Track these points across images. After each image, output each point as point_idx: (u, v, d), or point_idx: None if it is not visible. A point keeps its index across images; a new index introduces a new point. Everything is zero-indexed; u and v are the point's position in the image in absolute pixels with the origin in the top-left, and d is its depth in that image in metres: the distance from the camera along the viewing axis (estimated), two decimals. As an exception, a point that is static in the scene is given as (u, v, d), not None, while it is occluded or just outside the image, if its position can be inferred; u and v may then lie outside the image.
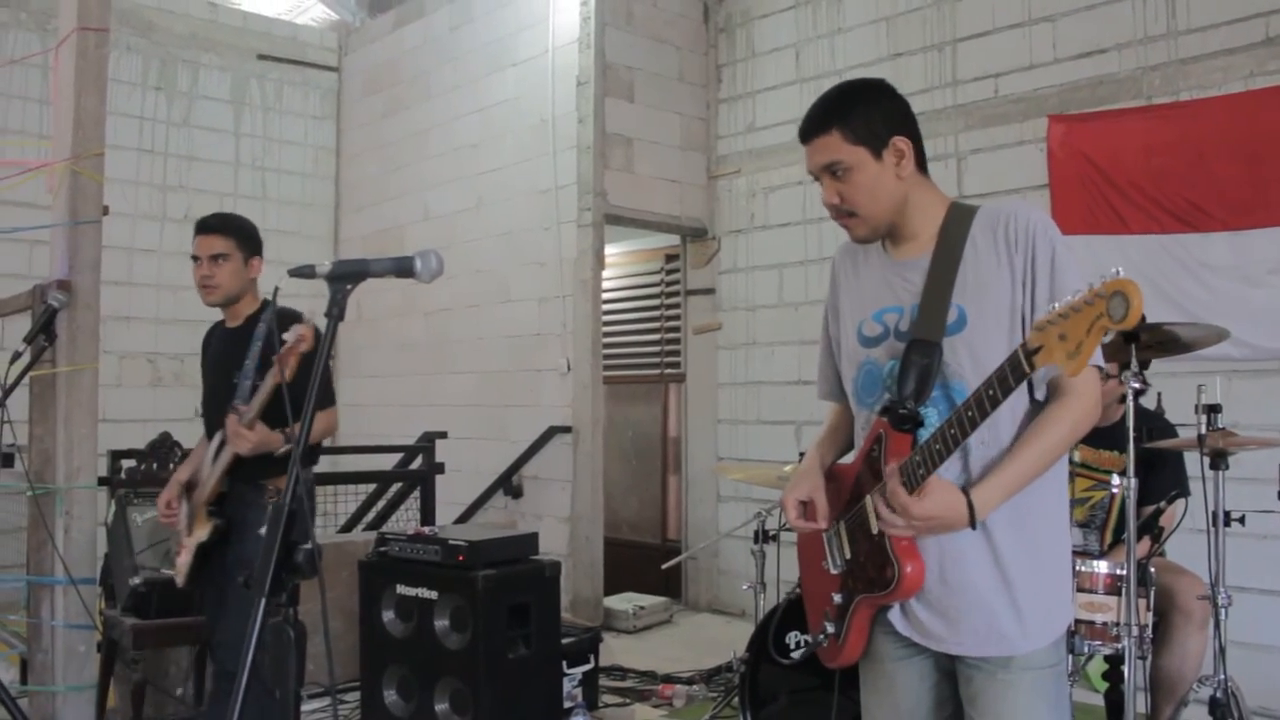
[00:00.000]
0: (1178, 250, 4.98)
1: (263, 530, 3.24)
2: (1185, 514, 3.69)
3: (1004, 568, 1.98)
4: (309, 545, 1.52)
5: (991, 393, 1.80)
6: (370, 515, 6.61)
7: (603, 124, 6.89)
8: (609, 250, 7.41)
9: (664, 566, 5.65)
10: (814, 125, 2.10)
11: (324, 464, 7.78)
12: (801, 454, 4.16)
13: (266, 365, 3.38)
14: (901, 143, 2.06)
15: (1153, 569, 3.33)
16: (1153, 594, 3.31)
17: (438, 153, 8.20)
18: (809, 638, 2.30)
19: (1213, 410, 3.34)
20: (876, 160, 2.06)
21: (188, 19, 8.31)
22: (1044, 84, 5.65)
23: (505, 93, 7.58)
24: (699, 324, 7.48)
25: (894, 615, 2.08)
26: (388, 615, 4.34)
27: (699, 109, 7.48)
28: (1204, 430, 3.32)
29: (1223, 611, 3.34)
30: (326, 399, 3.49)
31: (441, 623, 4.19)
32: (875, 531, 2.04)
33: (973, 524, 1.92)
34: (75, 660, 4.35)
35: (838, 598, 2.15)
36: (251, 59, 8.65)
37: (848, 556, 2.14)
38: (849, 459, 2.25)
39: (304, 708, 4.16)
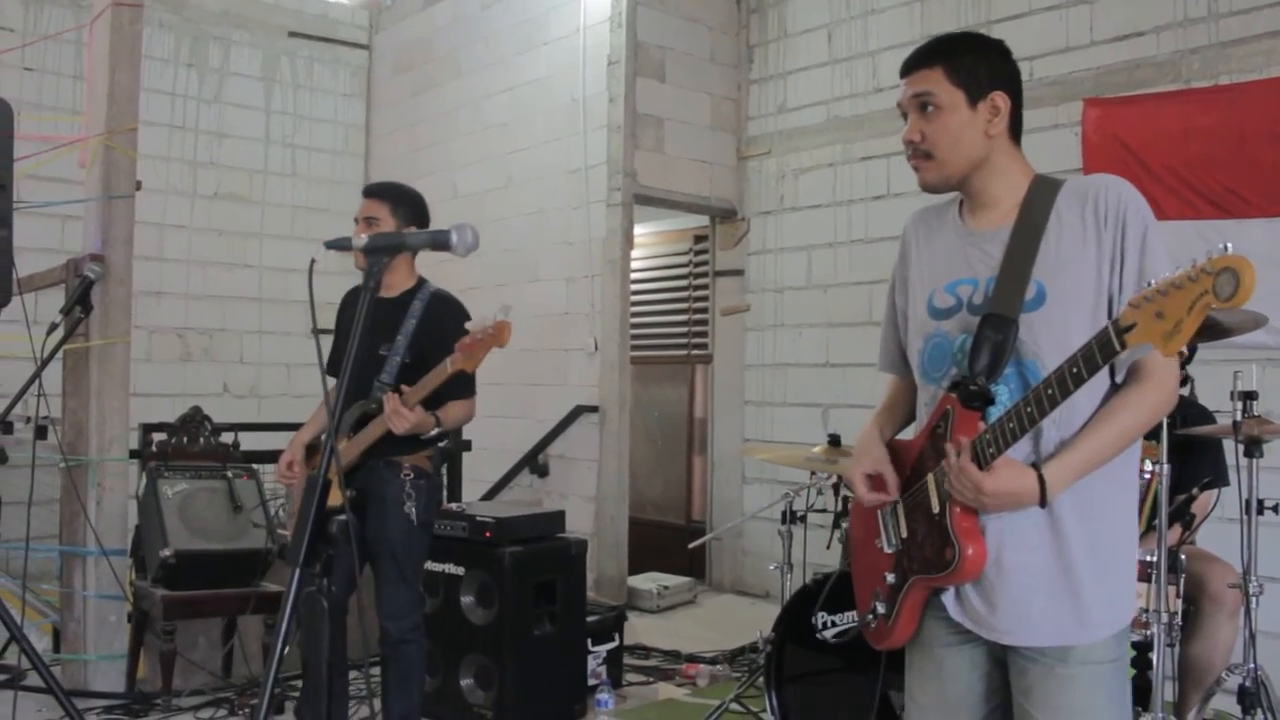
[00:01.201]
0: (1213, 237, 4.89)
1: (407, 508, 3.37)
2: (1217, 502, 3.66)
3: (1064, 554, 1.90)
4: (343, 516, 1.53)
5: (1075, 371, 1.72)
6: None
7: (633, 104, 6.86)
8: (638, 230, 7.39)
9: (690, 546, 5.64)
10: (919, 59, 2.05)
11: (351, 440, 7.83)
12: (830, 436, 4.17)
13: (419, 346, 3.42)
14: (1000, 99, 2.00)
15: (1183, 556, 3.30)
16: (1183, 581, 3.29)
17: (467, 131, 8.19)
18: (853, 616, 2.25)
19: (1248, 397, 3.31)
20: (970, 108, 2.00)
21: (220, -5, 8.33)
22: (1080, 67, 5.58)
23: (536, 72, 7.57)
24: (727, 305, 7.46)
25: (948, 599, 2.01)
26: (421, 591, 4.36)
27: (730, 89, 7.44)
28: (1239, 417, 3.29)
29: (1254, 600, 3.31)
30: (468, 390, 3.52)
31: (467, 598, 4.22)
32: (936, 510, 1.97)
33: (1043, 501, 1.85)
34: (106, 630, 4.42)
35: (891, 577, 2.09)
36: (282, 36, 8.66)
37: (904, 535, 2.07)
38: (908, 434, 2.19)
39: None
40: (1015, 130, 2.06)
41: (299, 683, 4.11)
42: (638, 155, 6.87)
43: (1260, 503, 3.37)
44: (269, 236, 8.47)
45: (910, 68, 2.07)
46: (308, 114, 8.82)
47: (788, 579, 4.18)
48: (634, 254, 7.10)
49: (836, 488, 4.18)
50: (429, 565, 4.29)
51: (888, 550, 2.10)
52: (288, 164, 8.68)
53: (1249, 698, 3.33)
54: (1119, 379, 1.93)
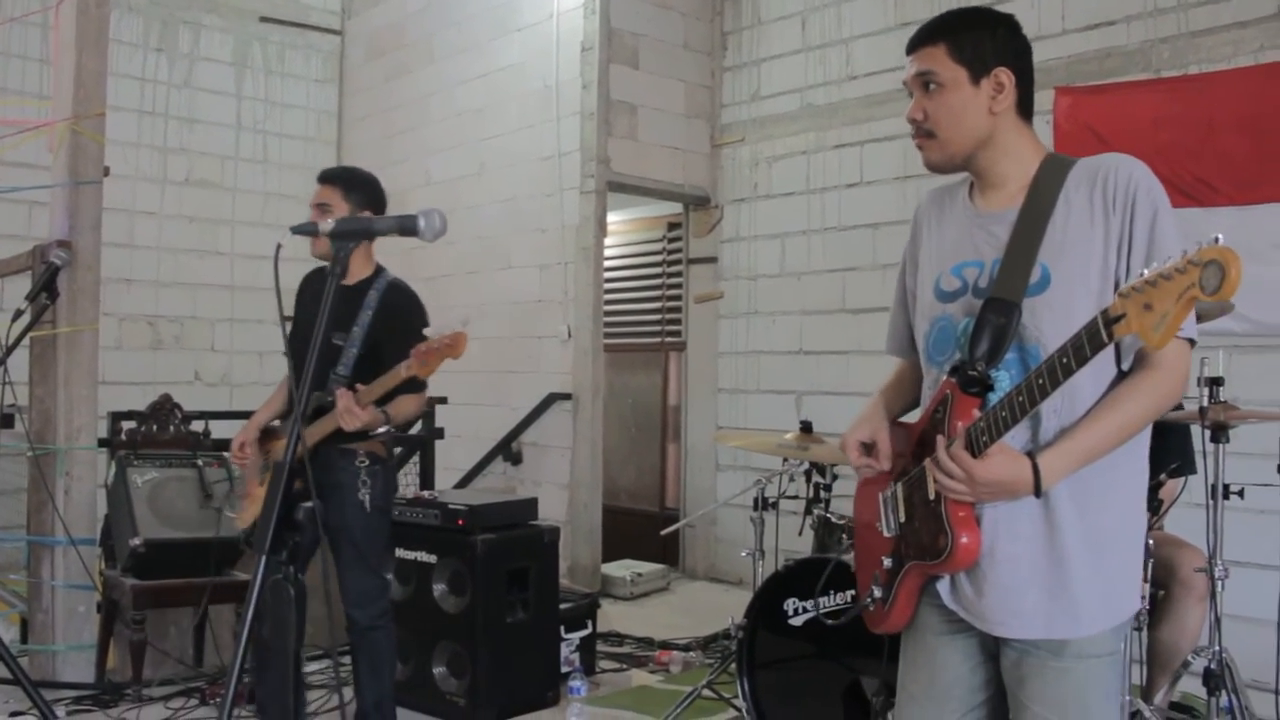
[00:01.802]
0: (1183, 225, 4.93)
1: (362, 494, 3.34)
2: (1184, 488, 3.69)
3: (1059, 545, 1.85)
4: (310, 504, 1.52)
5: (1065, 361, 1.67)
6: (370, 480, 6.62)
7: (607, 90, 6.84)
8: (611, 218, 7.39)
9: (663, 533, 5.66)
10: (923, 36, 2.00)
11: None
12: (802, 423, 4.19)
13: (374, 338, 3.38)
14: (1004, 75, 1.95)
15: (1151, 541, 3.33)
16: (1150, 566, 3.32)
17: (440, 118, 8.15)
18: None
19: (1215, 383, 3.34)
20: (973, 85, 1.95)
21: (189, -21, 8.25)
22: (1051, 56, 5.60)
23: (509, 58, 7.53)
24: (700, 293, 7.46)
25: (942, 587, 1.97)
26: (387, 578, 4.35)
27: (704, 77, 7.43)
28: (1205, 403, 3.32)
29: (1219, 584, 3.34)
30: (419, 384, 3.43)
31: (440, 586, 4.21)
32: (932, 497, 1.92)
33: (1037, 491, 1.80)
34: (75, 620, 4.39)
35: (887, 562, 2.06)
36: (254, 21, 8.58)
37: (902, 520, 2.03)
38: (912, 418, 2.14)
39: (304, 669, 4.17)
40: (1024, 108, 2.00)
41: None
42: (611, 142, 6.86)
43: (1226, 488, 3.40)
44: (240, 223, 8.41)
45: (914, 45, 2.02)
46: (279, 100, 8.76)
47: (759, 566, 4.19)
48: (607, 241, 7.10)
49: (808, 474, 4.19)
50: (401, 553, 4.29)
51: (886, 534, 2.07)
52: (259, 150, 8.61)
53: (1214, 680, 3.36)
54: (1125, 366, 1.88)
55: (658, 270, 8.03)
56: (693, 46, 7.38)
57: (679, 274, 7.73)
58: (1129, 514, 1.95)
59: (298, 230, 1.72)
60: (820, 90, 6.77)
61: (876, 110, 6.41)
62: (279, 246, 1.63)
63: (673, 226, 7.84)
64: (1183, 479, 3.67)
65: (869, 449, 2.11)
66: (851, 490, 4.44)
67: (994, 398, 1.86)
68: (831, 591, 3.53)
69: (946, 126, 1.97)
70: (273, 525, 1.51)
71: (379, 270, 3.59)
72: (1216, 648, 3.36)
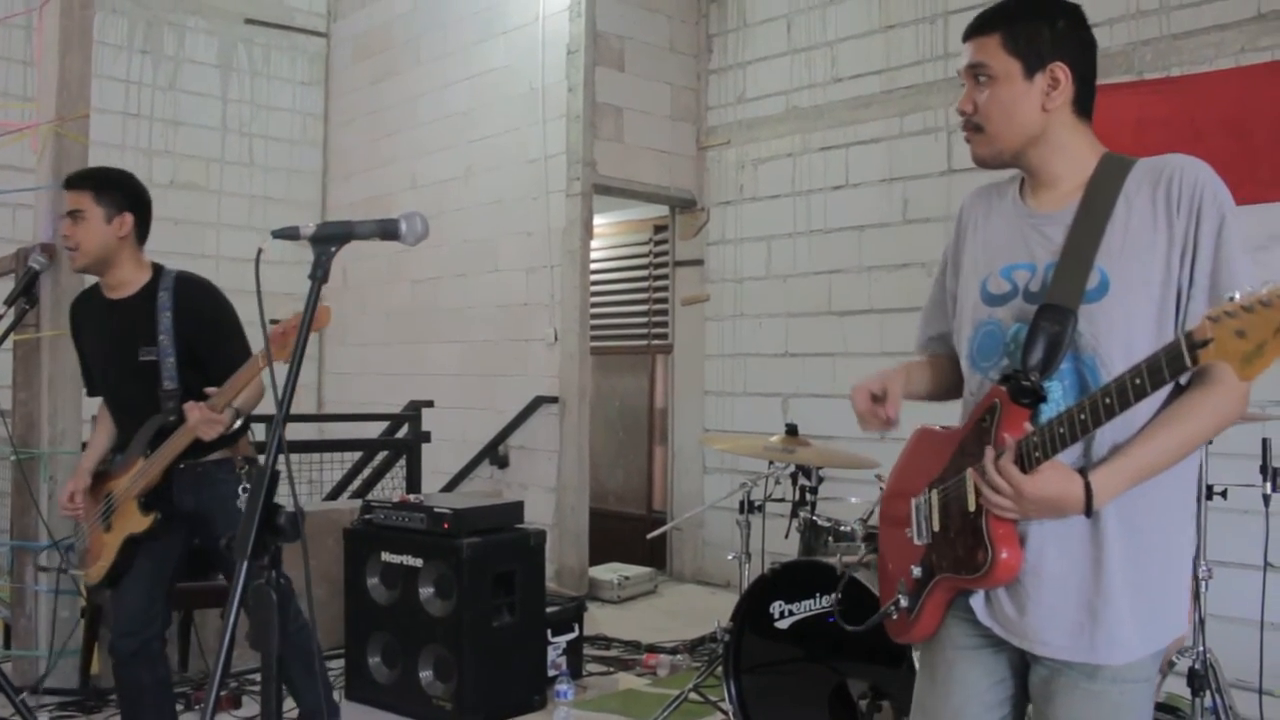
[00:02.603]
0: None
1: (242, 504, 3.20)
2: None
3: (1105, 566, 1.77)
4: (291, 508, 1.52)
5: (1139, 382, 1.55)
6: (356, 483, 6.62)
7: (593, 93, 6.85)
8: (597, 220, 7.39)
9: (649, 537, 5.65)
10: (979, 24, 1.92)
11: (310, 431, 7.78)
12: (788, 425, 4.19)
13: (184, 338, 3.16)
14: (1060, 70, 1.85)
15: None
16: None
17: (427, 120, 8.15)
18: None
19: (1197, 385, 3.35)
20: (1026, 79, 1.86)
21: (174, -19, 8.22)
22: (1036, 58, 5.62)
23: (495, 60, 7.53)
24: (687, 295, 7.47)
25: (976, 602, 1.89)
26: (372, 582, 4.35)
27: (689, 79, 7.44)
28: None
29: (1203, 584, 3.36)
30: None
31: (426, 590, 4.20)
32: (972, 509, 1.83)
33: (1088, 511, 1.71)
34: (59, 625, 4.36)
35: (917, 571, 1.97)
36: (239, 23, 8.57)
37: (935, 529, 1.93)
38: (951, 425, 2.06)
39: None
40: (1083, 105, 1.91)
41: (255, 676, 4.06)
42: (597, 145, 6.86)
43: (1209, 488, 3.43)
44: (226, 226, 8.39)
45: (969, 34, 1.93)
46: (265, 102, 8.74)
47: (746, 569, 4.19)
48: (594, 244, 7.09)
49: (794, 477, 4.20)
50: (387, 557, 4.28)
51: (918, 542, 1.99)
52: (244, 153, 8.60)
53: (1198, 680, 3.38)
54: (1183, 380, 1.75)
55: (644, 273, 8.03)
56: (678, 49, 7.38)
57: (665, 277, 7.73)
58: (1174, 535, 1.85)
59: (279, 234, 1.72)
60: (806, 93, 6.78)
61: (862, 113, 6.43)
62: (260, 250, 1.63)
63: (659, 229, 7.84)
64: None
65: (878, 399, 2.03)
66: (837, 493, 4.47)
67: (1045, 410, 1.78)
68: (817, 595, 3.53)
69: (996, 121, 1.89)
70: (254, 530, 1.51)
71: (159, 270, 3.32)
72: (1200, 648, 3.38)
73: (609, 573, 6.76)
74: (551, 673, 4.49)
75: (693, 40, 7.46)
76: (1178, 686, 3.61)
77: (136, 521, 3.16)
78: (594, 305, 7.22)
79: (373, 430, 6.79)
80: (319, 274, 1.71)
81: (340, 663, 4.53)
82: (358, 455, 6.69)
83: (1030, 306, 1.84)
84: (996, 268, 1.94)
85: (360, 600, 4.37)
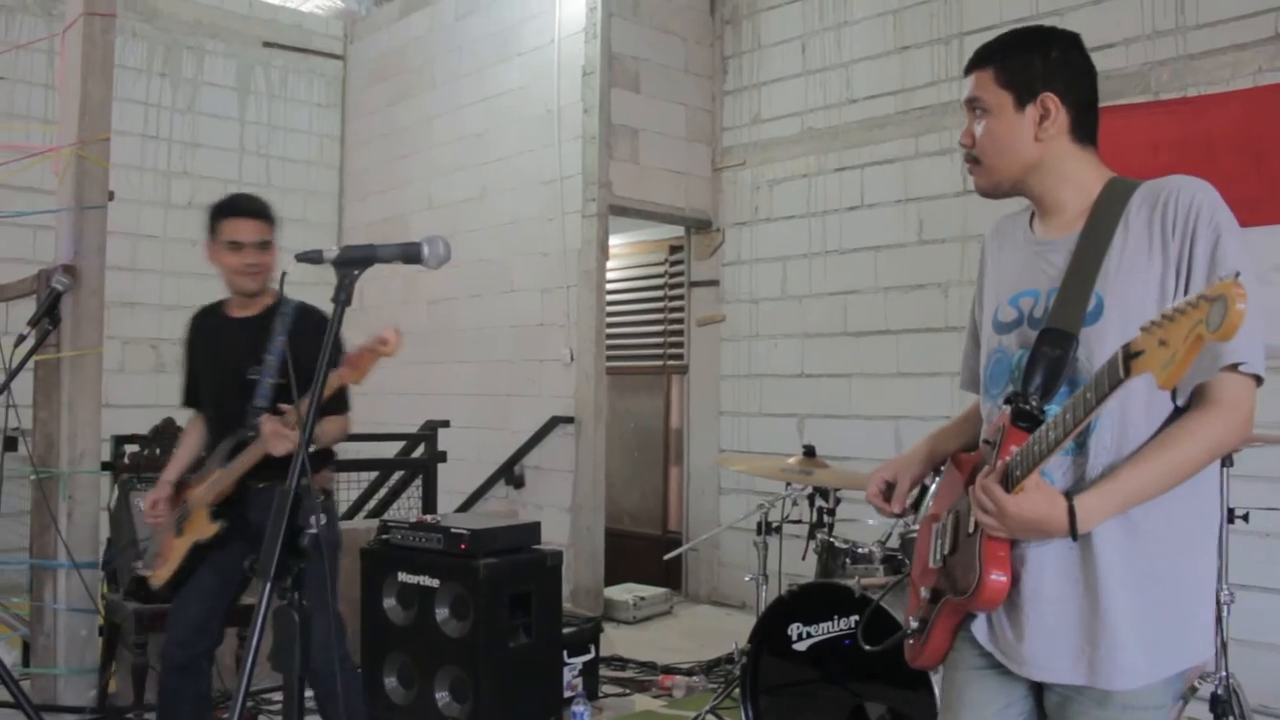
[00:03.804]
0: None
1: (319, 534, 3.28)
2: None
3: (1100, 590, 1.75)
4: (314, 530, 1.52)
5: (1089, 396, 1.57)
6: (372, 503, 6.63)
7: (608, 114, 6.88)
8: (613, 241, 7.40)
9: (666, 558, 5.65)
10: (975, 59, 1.97)
11: (326, 452, 7.79)
12: (805, 447, 4.19)
13: (300, 362, 3.17)
14: (1050, 101, 1.88)
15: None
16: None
17: (442, 142, 8.19)
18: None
19: (1217, 407, 3.33)
20: (1018, 111, 1.90)
21: (193, 5, 8.30)
22: (1051, 78, 5.63)
23: (511, 82, 7.58)
24: (702, 316, 7.47)
25: (978, 626, 1.89)
26: (389, 602, 4.35)
27: (704, 101, 7.46)
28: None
29: (1225, 609, 3.34)
30: (342, 406, 3.41)
31: (442, 611, 4.20)
32: (970, 530, 1.84)
33: (1073, 534, 1.70)
34: (77, 644, 4.37)
35: (925, 594, 2.00)
36: (257, 46, 8.64)
37: (946, 552, 1.95)
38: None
39: (306, 693, 4.15)
40: (1082, 131, 1.92)
41: (275, 695, 4.07)
42: (613, 166, 6.89)
43: (1231, 511, 3.40)
44: (243, 247, 8.42)
45: (968, 68, 1.99)
46: (282, 124, 8.80)
47: (763, 590, 4.18)
48: (609, 264, 7.11)
49: (811, 499, 4.19)
50: (403, 578, 4.28)
51: (932, 565, 2.00)
52: (262, 174, 8.65)
53: (1221, 705, 3.35)
54: (1180, 402, 1.75)
55: (659, 293, 8.04)
56: (693, 71, 7.41)
57: (681, 297, 7.74)
58: (1187, 557, 1.80)
59: (302, 258, 1.73)
60: (820, 114, 6.80)
61: (877, 133, 6.44)
62: (284, 274, 1.64)
63: (674, 250, 7.85)
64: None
65: (890, 489, 2.08)
66: (854, 515, 4.45)
67: None
68: (835, 617, 3.52)
69: (991, 154, 1.94)
70: (277, 552, 1.51)
71: (282, 297, 3.40)
72: (1223, 673, 3.35)
73: (624, 593, 6.75)
74: (568, 694, 4.48)
75: (708, 62, 7.49)
76: (1200, 712, 3.58)
77: (204, 528, 3.30)
78: (609, 325, 7.23)
79: (389, 450, 6.80)
80: (342, 297, 1.72)
81: (356, 683, 4.52)
82: (374, 475, 6.71)
83: (1034, 332, 1.85)
84: (1005, 296, 1.98)
85: (377, 620, 4.37)
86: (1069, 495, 1.72)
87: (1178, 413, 1.75)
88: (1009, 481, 1.73)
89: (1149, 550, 1.76)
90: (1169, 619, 1.77)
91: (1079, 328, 1.78)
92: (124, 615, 4.27)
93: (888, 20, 6.48)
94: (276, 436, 3.07)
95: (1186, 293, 1.72)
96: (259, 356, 3.31)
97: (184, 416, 5.07)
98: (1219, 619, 3.34)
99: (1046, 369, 1.79)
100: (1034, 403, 1.78)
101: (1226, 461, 3.36)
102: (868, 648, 2.87)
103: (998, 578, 1.78)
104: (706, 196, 7.42)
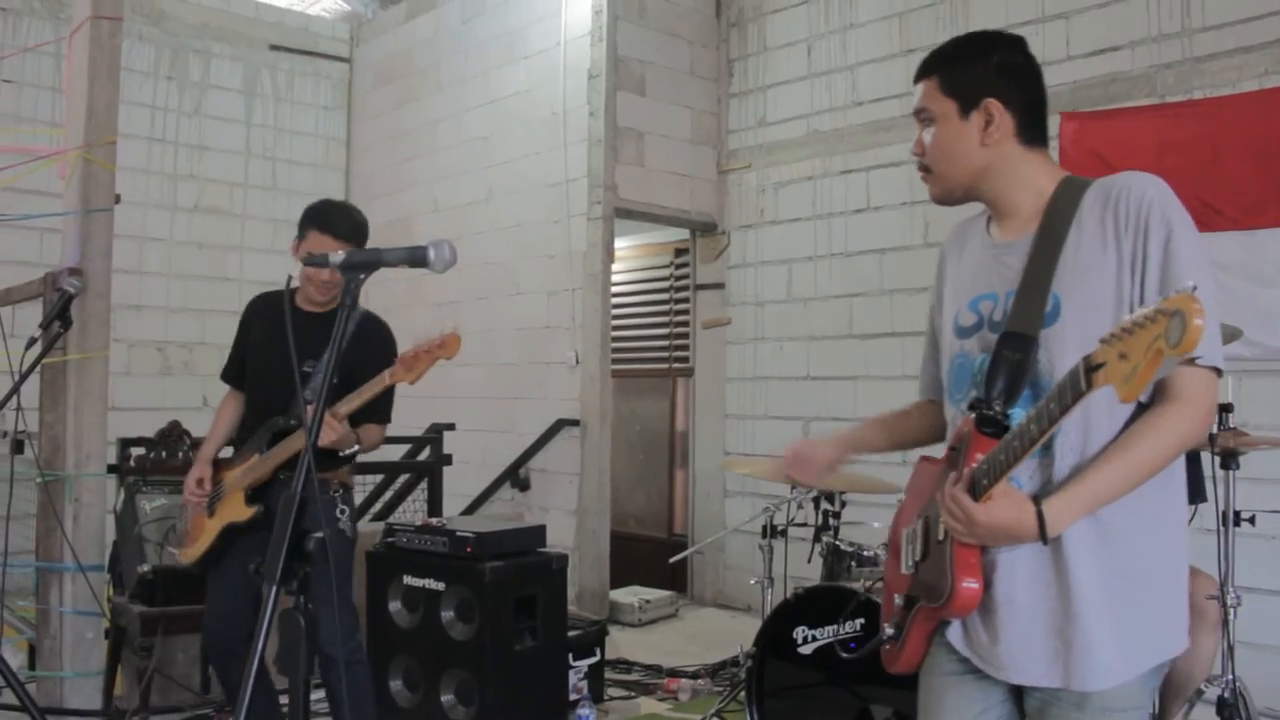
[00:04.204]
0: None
1: (341, 524, 3.38)
2: (1194, 516, 3.67)
3: (1071, 590, 1.76)
4: (320, 534, 1.52)
5: (1051, 407, 1.57)
6: (377, 506, 6.62)
7: (614, 117, 6.88)
8: (618, 244, 7.41)
9: (671, 560, 5.65)
10: (922, 68, 1.97)
11: (332, 454, 7.79)
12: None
13: (347, 366, 3.29)
14: (993, 106, 1.88)
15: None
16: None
17: (448, 145, 8.20)
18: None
19: (1224, 410, 3.33)
20: (962, 118, 1.90)
21: (200, 8, 8.31)
22: (1057, 81, 5.63)
23: (516, 85, 7.58)
24: (708, 318, 7.47)
25: (954, 631, 1.89)
26: (394, 605, 4.35)
27: (710, 103, 7.46)
28: (1215, 430, 3.31)
29: (1231, 612, 3.33)
30: (386, 416, 3.48)
31: (448, 614, 4.20)
32: (940, 537, 1.85)
33: (1043, 538, 1.71)
34: (83, 646, 4.37)
35: (899, 600, 2.00)
36: (263, 49, 8.65)
37: (918, 558, 1.95)
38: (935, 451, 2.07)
39: (311, 695, 4.16)
40: (1030, 134, 1.93)
41: (281, 696, 4.08)
42: (618, 169, 6.89)
43: (1237, 514, 3.40)
44: (249, 250, 8.45)
45: (916, 78, 1.99)
46: (289, 127, 8.81)
47: (769, 593, 4.18)
48: (615, 267, 7.11)
49: (817, 502, 4.19)
50: (409, 580, 4.29)
51: (904, 571, 2.01)
52: (268, 177, 8.66)
53: (1228, 709, 3.35)
54: (1144, 398, 1.74)
55: (665, 296, 8.04)
56: (699, 73, 7.42)
57: (686, 300, 7.74)
58: (1158, 553, 1.82)
59: (309, 263, 1.73)
60: (826, 116, 6.80)
61: (883, 136, 6.44)
62: (290, 278, 1.64)
63: (680, 252, 7.86)
64: (1193, 507, 3.65)
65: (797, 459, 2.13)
66: (861, 517, 4.45)
67: None
68: (841, 621, 3.52)
69: (940, 161, 1.95)
70: (283, 555, 1.51)
71: (353, 301, 3.52)
72: (1230, 676, 3.35)
73: (630, 596, 6.75)
74: (573, 697, 4.47)
75: (713, 65, 7.49)
76: (1206, 715, 3.58)
77: (239, 511, 3.37)
78: (615, 328, 7.24)
79: (394, 453, 6.80)
80: (348, 301, 1.72)
81: (362, 686, 4.52)
82: (379, 478, 6.71)
83: (994, 336, 1.86)
84: (965, 300, 1.98)
85: (382, 623, 4.37)
86: (1037, 500, 1.72)
87: (1141, 409, 1.76)
88: (976, 490, 1.74)
89: (1119, 549, 1.77)
90: (1142, 616, 1.78)
91: (1038, 329, 1.79)
92: (130, 618, 4.28)
93: (893, 23, 6.48)
94: (326, 426, 3.13)
95: (1142, 289, 1.74)
96: (317, 353, 3.34)
97: (189, 419, 5.12)
98: (1226, 622, 3.33)
99: (1008, 374, 1.79)
100: (997, 408, 1.78)
101: (1232, 464, 3.36)
102: (843, 655, 2.89)
103: (970, 585, 1.78)
104: (712, 199, 7.42)
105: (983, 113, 1.90)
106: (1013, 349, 1.80)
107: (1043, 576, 1.79)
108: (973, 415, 1.81)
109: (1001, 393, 1.80)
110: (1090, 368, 1.48)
